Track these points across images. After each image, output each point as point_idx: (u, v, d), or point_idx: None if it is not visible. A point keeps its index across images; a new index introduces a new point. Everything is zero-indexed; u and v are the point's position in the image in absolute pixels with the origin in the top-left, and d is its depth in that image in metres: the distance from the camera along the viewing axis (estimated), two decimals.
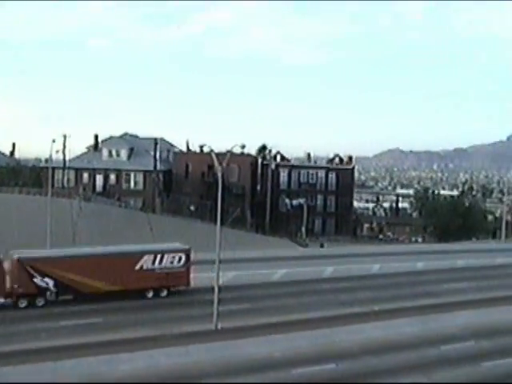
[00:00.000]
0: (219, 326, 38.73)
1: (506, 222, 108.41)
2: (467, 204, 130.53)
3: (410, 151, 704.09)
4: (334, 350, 36.20)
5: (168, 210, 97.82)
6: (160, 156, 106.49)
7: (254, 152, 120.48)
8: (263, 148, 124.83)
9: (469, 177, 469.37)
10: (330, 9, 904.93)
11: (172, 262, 47.20)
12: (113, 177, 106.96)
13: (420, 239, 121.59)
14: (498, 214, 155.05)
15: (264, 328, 39.43)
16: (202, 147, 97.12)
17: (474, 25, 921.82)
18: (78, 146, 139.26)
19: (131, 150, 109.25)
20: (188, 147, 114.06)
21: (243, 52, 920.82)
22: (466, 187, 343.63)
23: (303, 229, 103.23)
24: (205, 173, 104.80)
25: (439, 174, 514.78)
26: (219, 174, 40.76)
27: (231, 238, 54.95)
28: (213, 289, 39.39)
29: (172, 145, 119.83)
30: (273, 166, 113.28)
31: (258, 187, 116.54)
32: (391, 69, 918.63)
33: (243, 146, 43.52)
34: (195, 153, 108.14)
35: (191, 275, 48.05)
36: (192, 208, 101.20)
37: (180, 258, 47.55)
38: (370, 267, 63.26)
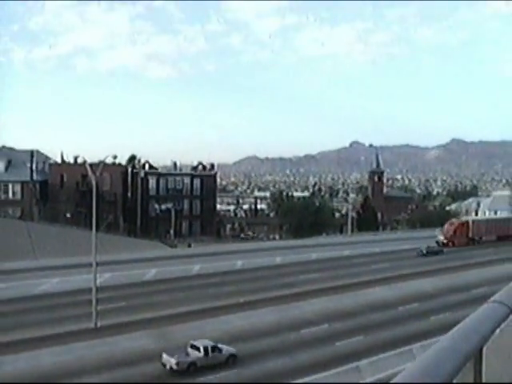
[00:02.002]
0: (98, 324, 37.99)
1: (352, 219, 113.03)
2: (317, 203, 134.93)
3: (266, 158, 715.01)
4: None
5: (45, 218, 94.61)
6: (36, 167, 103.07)
7: (124, 162, 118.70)
8: (133, 158, 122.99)
9: (317, 180, 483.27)
10: (186, 28, 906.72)
11: None
12: None
13: (277, 236, 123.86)
14: (344, 212, 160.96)
15: (139, 324, 39.06)
16: (76, 158, 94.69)
17: (316, 43, 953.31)
18: None
19: (9, 162, 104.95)
20: (62, 158, 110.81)
21: (111, 68, 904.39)
22: (316, 189, 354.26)
23: (172, 231, 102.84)
24: (79, 182, 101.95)
25: (292, 178, 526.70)
26: (93, 183, 40.04)
27: (106, 242, 53.78)
28: (90, 290, 38.60)
29: (47, 157, 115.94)
30: (142, 174, 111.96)
31: (129, 194, 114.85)
32: (244, 83, 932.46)
33: (115, 157, 43.09)
34: (69, 163, 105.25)
35: None
36: (68, 215, 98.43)
37: None
38: (233, 263, 64.01)
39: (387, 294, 49.57)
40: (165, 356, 31.85)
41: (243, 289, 50.80)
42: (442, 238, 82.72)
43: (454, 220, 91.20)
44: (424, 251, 72.86)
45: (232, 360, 32.87)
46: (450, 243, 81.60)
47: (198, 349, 32.61)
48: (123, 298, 46.11)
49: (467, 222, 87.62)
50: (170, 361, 31.57)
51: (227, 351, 33.13)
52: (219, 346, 33.22)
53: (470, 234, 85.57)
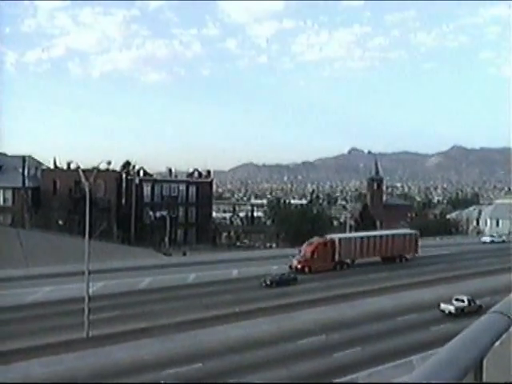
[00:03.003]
0: (90, 334, 37.88)
1: (350, 227, 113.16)
2: (315, 211, 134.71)
3: (263, 165, 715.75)
4: (200, 350, 36.32)
5: (37, 225, 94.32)
6: (28, 173, 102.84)
7: (118, 168, 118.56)
8: (127, 164, 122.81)
9: (315, 187, 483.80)
10: (182, 32, 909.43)
11: None
12: None
13: (274, 245, 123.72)
14: (342, 220, 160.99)
15: (133, 333, 38.97)
16: (69, 164, 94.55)
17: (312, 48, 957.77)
18: None
19: (0, 167, 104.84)
20: (55, 164, 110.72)
21: (105, 72, 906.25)
22: (314, 196, 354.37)
23: (166, 239, 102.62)
24: (72, 188, 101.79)
25: (289, 185, 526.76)
26: (86, 190, 40.00)
27: (99, 250, 53.72)
28: (83, 299, 38.50)
29: (40, 162, 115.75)
30: (137, 181, 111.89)
31: (123, 201, 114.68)
32: (240, 88, 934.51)
33: (109, 163, 43.08)
34: (62, 169, 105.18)
35: None
36: (60, 223, 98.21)
37: None
38: (229, 272, 63.95)
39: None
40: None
41: (239, 298, 50.72)
42: (295, 261, 65.89)
43: (314, 238, 71.29)
44: (268, 281, 57.31)
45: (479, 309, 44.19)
46: (307, 268, 64.69)
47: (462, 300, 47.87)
48: (116, 307, 45.97)
49: (332, 241, 69.36)
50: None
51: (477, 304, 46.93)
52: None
53: (337, 256, 68.42)
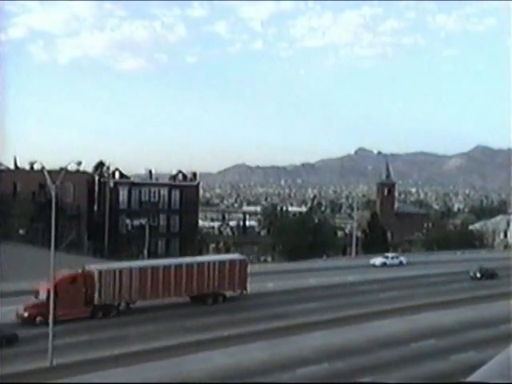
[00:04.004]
0: (54, 363, 37.49)
1: (356, 238, 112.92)
2: (316, 220, 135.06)
3: (257, 166, 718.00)
4: (184, 380, 36.07)
5: None
6: None
7: (90, 169, 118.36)
8: (100, 164, 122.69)
9: (317, 192, 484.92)
10: (163, 13, 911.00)
11: None
12: None
13: (269, 258, 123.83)
14: (347, 230, 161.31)
15: (105, 362, 38.66)
16: (32, 164, 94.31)
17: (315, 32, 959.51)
18: None
19: None
20: (16, 164, 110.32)
21: (74, 57, 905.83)
22: (315, 203, 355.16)
23: (145, 251, 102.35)
24: (36, 192, 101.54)
25: (287, 190, 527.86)
26: (52, 194, 39.76)
27: (67, 264, 53.39)
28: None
29: None
30: (111, 184, 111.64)
31: (96, 207, 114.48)
32: (231, 78, 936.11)
33: (79, 163, 42.92)
34: (24, 170, 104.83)
35: None
36: (22, 232, 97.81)
37: None
38: None
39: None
40: None
41: (227, 320, 50.53)
42: (23, 308, 49.90)
43: (62, 271, 51.82)
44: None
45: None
46: (40, 317, 47.15)
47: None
48: (87, 330, 45.79)
49: (87, 275, 53.39)
50: None
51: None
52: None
53: (96, 297, 52.76)
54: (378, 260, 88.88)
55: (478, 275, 75.39)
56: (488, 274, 76.00)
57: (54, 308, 40.27)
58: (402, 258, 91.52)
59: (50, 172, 39.44)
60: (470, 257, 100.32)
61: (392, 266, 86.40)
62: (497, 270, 76.66)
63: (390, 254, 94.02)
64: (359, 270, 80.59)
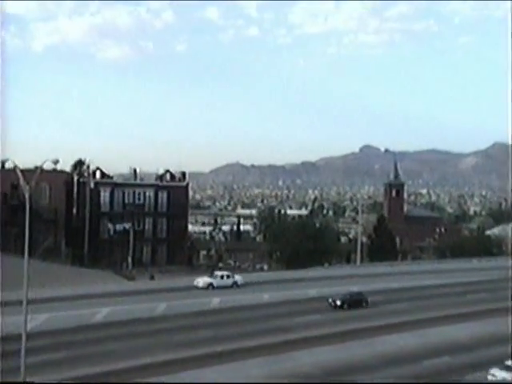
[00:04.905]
0: (28, 381, 37.32)
1: (362, 245, 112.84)
2: (317, 225, 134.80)
3: (252, 165, 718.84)
4: None
5: None
6: None
7: (68, 168, 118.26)
8: (80, 163, 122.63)
9: (318, 194, 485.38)
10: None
11: None
12: None
13: (265, 266, 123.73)
14: (352, 236, 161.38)
15: (85, 380, 38.55)
16: (3, 163, 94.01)
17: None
18: None
19: None
20: None
21: (49, 44, 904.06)
22: (316, 205, 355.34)
23: (129, 258, 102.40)
24: (7, 194, 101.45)
25: (285, 191, 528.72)
26: (26, 196, 39.53)
27: (43, 273, 53.39)
28: (19, 336, 38.02)
29: None
30: (92, 185, 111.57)
31: (75, 210, 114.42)
32: (223, 67, 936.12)
33: (56, 162, 42.47)
34: None
35: None
36: None
37: None
38: (208, 301, 63.73)
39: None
40: None
41: (221, 334, 50.45)
42: None
43: None
44: None
45: None
46: None
47: None
48: (63, 346, 45.53)
49: None
50: None
51: None
52: None
53: None
54: (201, 281, 73.00)
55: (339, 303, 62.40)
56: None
57: None
58: (238, 278, 75.55)
59: (23, 171, 39.13)
60: (485, 265, 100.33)
61: (222, 287, 71.85)
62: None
63: (219, 273, 77.60)
64: (364, 279, 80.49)
